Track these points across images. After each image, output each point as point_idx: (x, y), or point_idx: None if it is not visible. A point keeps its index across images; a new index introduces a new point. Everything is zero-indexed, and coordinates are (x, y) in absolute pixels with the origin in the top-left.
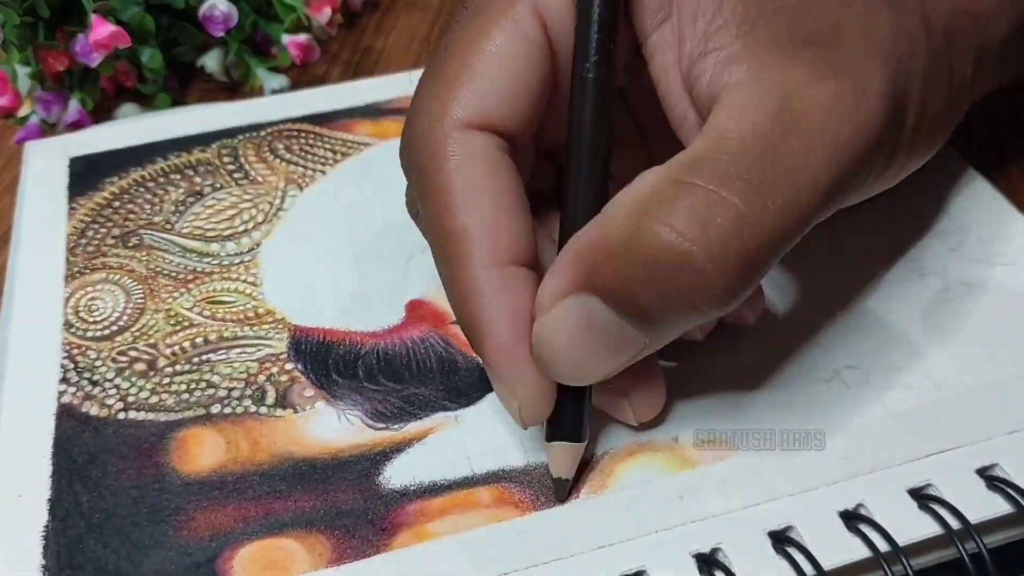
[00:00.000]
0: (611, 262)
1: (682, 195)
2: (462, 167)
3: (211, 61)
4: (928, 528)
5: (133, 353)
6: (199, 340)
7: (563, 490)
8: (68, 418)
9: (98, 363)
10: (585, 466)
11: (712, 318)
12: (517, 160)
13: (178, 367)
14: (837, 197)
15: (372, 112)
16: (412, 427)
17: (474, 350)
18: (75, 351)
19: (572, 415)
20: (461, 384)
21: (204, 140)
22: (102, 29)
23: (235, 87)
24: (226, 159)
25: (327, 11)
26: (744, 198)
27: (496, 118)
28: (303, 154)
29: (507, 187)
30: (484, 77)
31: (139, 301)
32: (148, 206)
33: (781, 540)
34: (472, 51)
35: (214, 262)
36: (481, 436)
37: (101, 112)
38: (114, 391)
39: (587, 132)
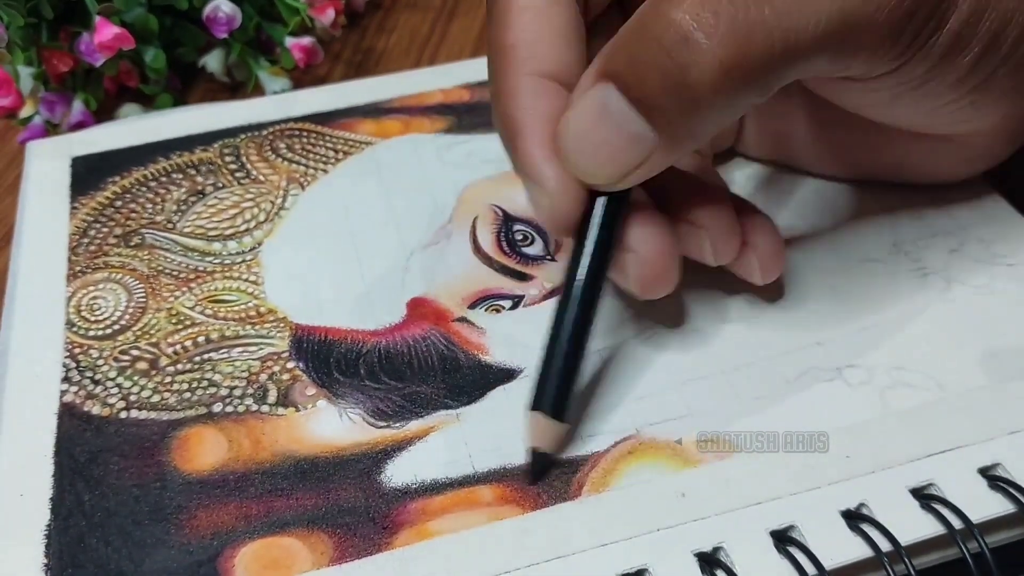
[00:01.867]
0: (623, 48)
1: None
2: None
3: (213, 61)
4: (930, 528)
5: (135, 352)
6: (201, 339)
7: (539, 465)
8: (70, 417)
9: (100, 362)
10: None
11: (713, 112)
12: None
13: (180, 366)
14: (850, 34)
15: (373, 111)
16: (414, 425)
17: (509, 155)
18: (77, 350)
19: (558, 388)
20: (463, 382)
21: (206, 139)
22: (106, 31)
23: (237, 87)
24: (228, 158)
25: (330, 13)
26: None
27: None
28: (305, 153)
29: (564, 16)
30: None
31: (141, 300)
32: (150, 205)
33: (783, 539)
34: None
35: (216, 261)
36: (483, 434)
37: (103, 112)
38: (116, 390)
39: None
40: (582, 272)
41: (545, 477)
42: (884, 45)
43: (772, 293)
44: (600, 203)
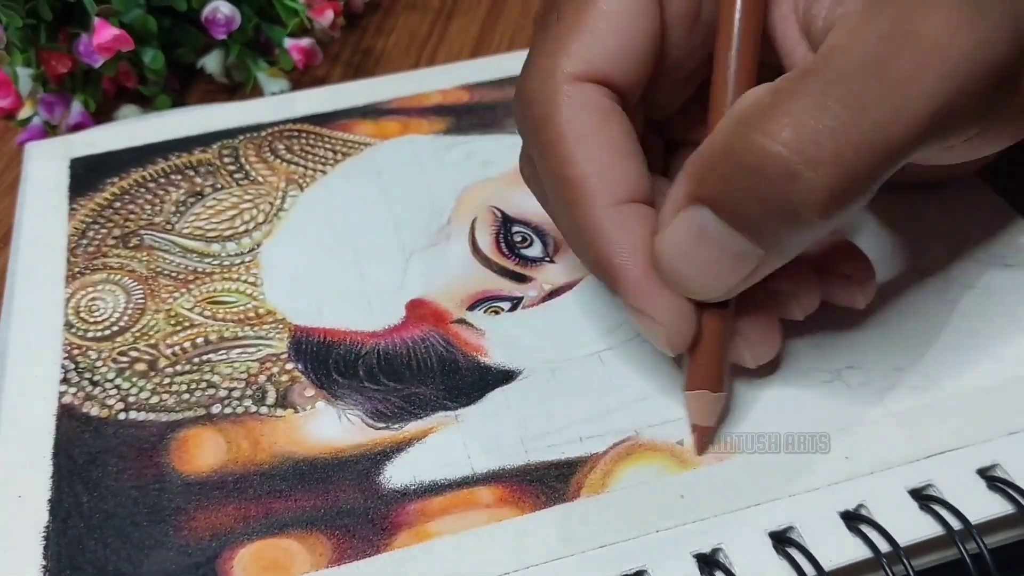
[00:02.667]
0: (713, 171)
1: (781, 103)
2: (575, 118)
3: (212, 62)
4: (929, 528)
5: (134, 353)
6: (200, 340)
7: (704, 440)
8: (69, 418)
9: (99, 363)
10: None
11: (819, 229)
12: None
13: (179, 367)
14: (947, 122)
15: (372, 112)
16: (412, 427)
17: (610, 289)
18: (76, 351)
19: (709, 363)
20: (462, 383)
21: (205, 140)
22: (105, 32)
23: (235, 88)
24: (227, 159)
25: (329, 14)
26: (843, 103)
27: (605, 70)
28: (303, 154)
29: (620, 133)
30: (593, 31)
31: (140, 301)
32: (149, 206)
33: (782, 540)
34: (582, 7)
35: (215, 262)
36: (481, 435)
37: (102, 113)
38: (115, 391)
39: (733, 50)
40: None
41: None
42: (978, 122)
43: None
44: (710, 313)
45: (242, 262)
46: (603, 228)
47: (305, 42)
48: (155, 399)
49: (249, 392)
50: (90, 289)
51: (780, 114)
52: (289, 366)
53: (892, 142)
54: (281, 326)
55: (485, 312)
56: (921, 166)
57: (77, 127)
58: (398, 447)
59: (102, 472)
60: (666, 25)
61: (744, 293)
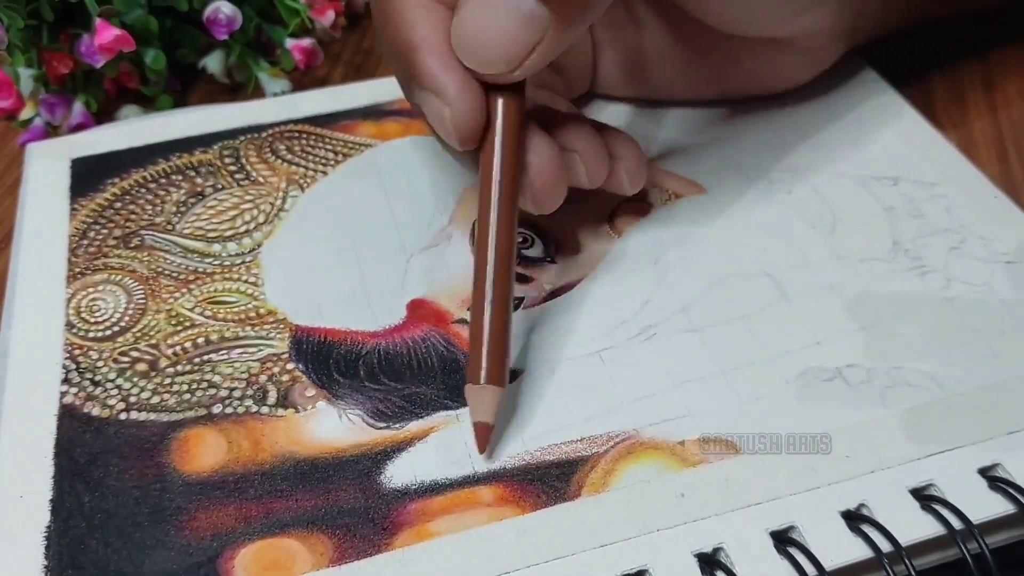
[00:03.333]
0: None
1: None
2: None
3: (213, 63)
4: (930, 528)
5: (135, 353)
6: (200, 340)
7: (484, 436)
8: (70, 419)
9: (100, 364)
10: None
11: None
12: None
13: (180, 367)
14: None
15: (373, 113)
16: (413, 426)
17: (404, 81)
18: (77, 352)
19: (491, 353)
20: (462, 383)
21: (205, 141)
22: (107, 33)
23: (237, 89)
24: (227, 160)
25: (331, 14)
26: None
27: None
28: (304, 155)
29: None
30: None
31: (140, 302)
32: (149, 207)
33: (783, 540)
34: None
35: (215, 262)
36: None
37: (103, 114)
38: (116, 391)
39: None
40: (496, 179)
41: (488, 445)
42: None
43: (771, 292)
44: (500, 103)
45: (243, 262)
46: (407, 13)
47: (306, 42)
48: (156, 399)
49: (250, 392)
50: (91, 289)
51: None
52: (290, 366)
53: None
54: (282, 326)
55: None
56: (770, 76)
57: (79, 128)
58: (399, 447)
59: (103, 472)
60: None
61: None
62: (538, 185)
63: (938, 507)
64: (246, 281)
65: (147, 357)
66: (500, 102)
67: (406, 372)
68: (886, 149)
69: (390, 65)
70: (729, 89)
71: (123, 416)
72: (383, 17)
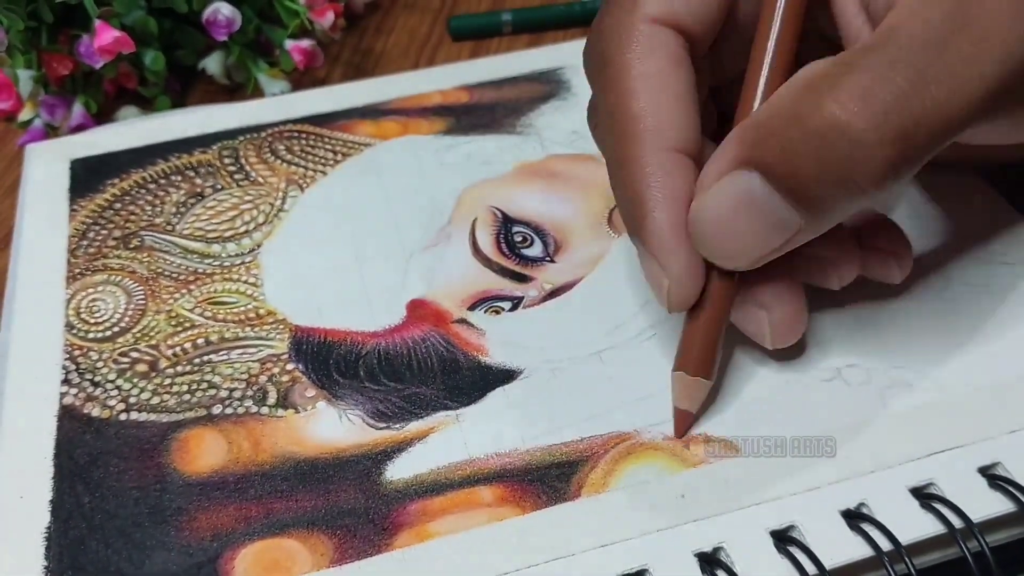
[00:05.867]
0: (773, 137)
1: (848, 73)
2: (645, 56)
3: (212, 64)
4: (930, 527)
5: (134, 354)
6: (200, 341)
7: (684, 423)
8: (70, 419)
9: (100, 364)
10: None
11: (868, 201)
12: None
13: (179, 368)
14: (999, 102)
15: (372, 113)
16: (413, 426)
17: (630, 230)
18: (76, 352)
19: (702, 346)
20: (462, 383)
21: (205, 141)
22: (106, 34)
23: (236, 90)
24: (227, 160)
25: (330, 15)
26: (908, 79)
27: (681, 17)
28: (304, 155)
29: (684, 81)
30: None
31: (140, 302)
32: (149, 207)
33: (783, 539)
34: None
35: (215, 263)
36: (482, 435)
37: (102, 115)
38: (116, 392)
39: (776, 27)
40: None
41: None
42: None
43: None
44: (717, 280)
45: (242, 263)
46: (645, 167)
47: (306, 43)
48: (156, 400)
49: (250, 392)
50: (91, 290)
51: (850, 84)
52: (290, 366)
53: (949, 119)
54: (282, 326)
55: (486, 312)
56: (963, 146)
57: (78, 129)
58: (399, 447)
59: (103, 473)
60: None
61: (776, 267)
62: (773, 334)
63: (938, 506)
64: (246, 282)
65: (147, 358)
66: (718, 281)
67: (406, 372)
68: None
69: (616, 199)
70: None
71: (123, 417)
72: (618, 160)
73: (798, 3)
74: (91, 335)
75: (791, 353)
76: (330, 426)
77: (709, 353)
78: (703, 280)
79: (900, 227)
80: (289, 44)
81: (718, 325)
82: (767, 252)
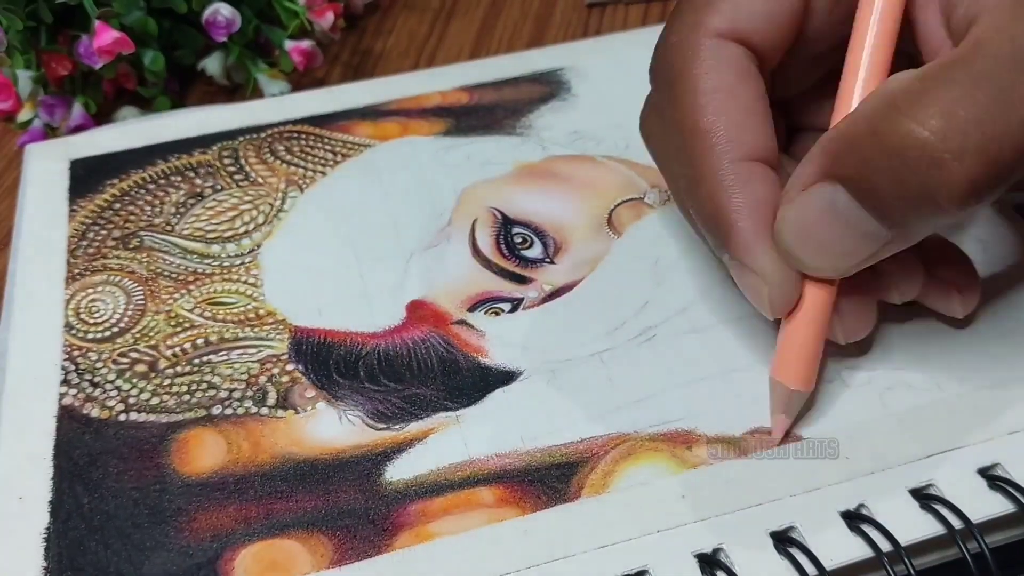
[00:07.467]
0: (854, 151)
1: (930, 89)
2: (713, 71)
3: (212, 64)
4: (930, 528)
5: (134, 355)
6: (200, 341)
7: (781, 428)
8: (69, 420)
9: (99, 365)
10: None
11: (952, 218)
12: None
13: (179, 368)
14: None
15: (372, 113)
16: (413, 427)
17: (717, 245)
18: (76, 353)
19: (802, 359)
20: (462, 384)
21: (204, 142)
22: (106, 35)
23: (235, 90)
24: (226, 161)
25: (330, 16)
26: (992, 96)
27: (749, 31)
28: (303, 155)
29: (754, 93)
30: None
31: (140, 303)
32: (148, 208)
33: (783, 540)
34: None
35: (215, 263)
36: (482, 436)
37: (101, 115)
38: (115, 393)
39: (871, 31)
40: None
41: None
42: None
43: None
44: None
45: (242, 263)
46: (724, 179)
47: (305, 44)
48: (155, 400)
49: (250, 393)
50: (90, 290)
51: (929, 100)
52: (290, 367)
53: None
54: (281, 327)
55: (485, 313)
56: None
57: (78, 129)
58: (399, 448)
59: (103, 473)
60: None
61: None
62: (844, 330)
63: (938, 507)
64: (245, 282)
65: (146, 358)
66: (815, 285)
67: (406, 373)
68: None
69: (697, 220)
70: None
71: (122, 417)
72: (695, 178)
73: (895, 12)
74: (90, 335)
75: None
76: (330, 427)
77: (810, 364)
78: (799, 281)
79: (968, 257)
80: (289, 45)
81: (818, 334)
82: (855, 263)
